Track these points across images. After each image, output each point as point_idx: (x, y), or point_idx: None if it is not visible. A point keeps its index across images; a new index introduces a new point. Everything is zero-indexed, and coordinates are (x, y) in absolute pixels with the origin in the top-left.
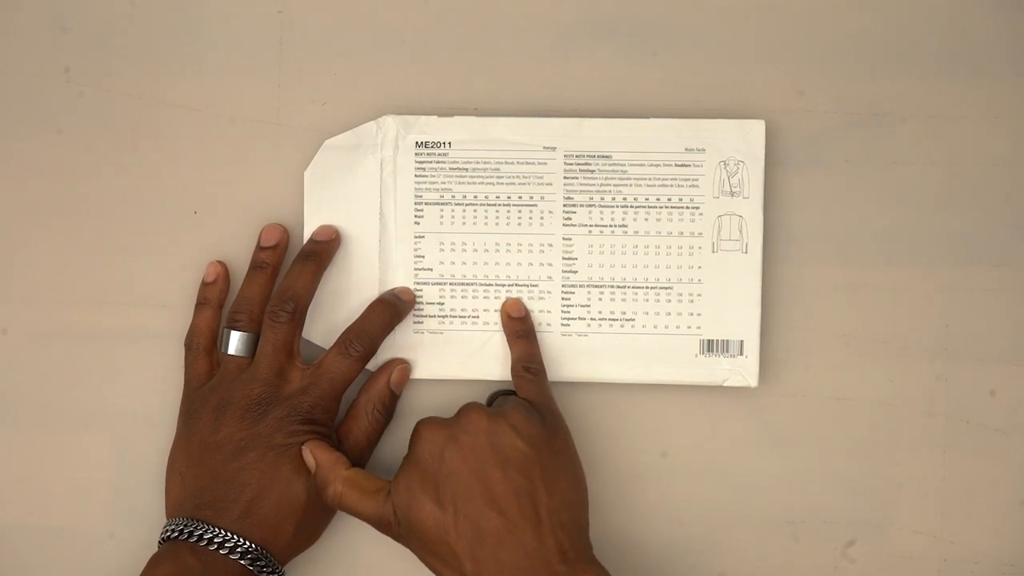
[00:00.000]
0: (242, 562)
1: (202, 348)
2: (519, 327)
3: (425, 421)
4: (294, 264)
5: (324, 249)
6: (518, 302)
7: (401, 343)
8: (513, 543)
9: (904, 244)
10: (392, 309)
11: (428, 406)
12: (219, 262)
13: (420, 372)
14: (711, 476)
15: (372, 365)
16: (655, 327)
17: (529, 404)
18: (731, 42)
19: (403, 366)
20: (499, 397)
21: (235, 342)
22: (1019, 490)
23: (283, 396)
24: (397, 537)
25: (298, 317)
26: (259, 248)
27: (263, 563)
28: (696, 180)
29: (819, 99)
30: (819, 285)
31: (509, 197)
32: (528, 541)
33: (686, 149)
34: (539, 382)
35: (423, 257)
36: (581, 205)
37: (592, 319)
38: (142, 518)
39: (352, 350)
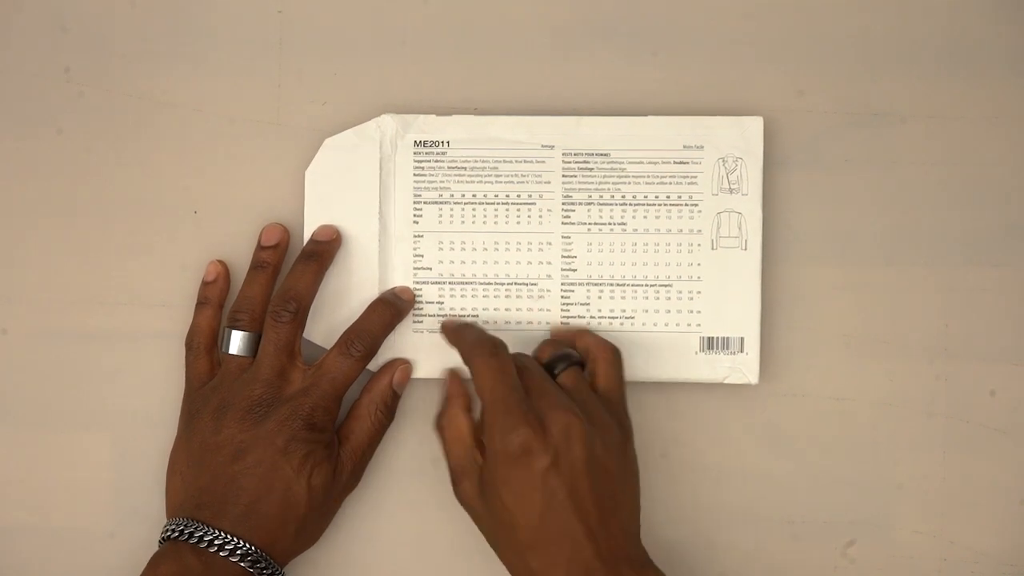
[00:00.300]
0: (242, 564)
1: (203, 347)
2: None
3: (516, 414)
4: (296, 264)
5: (326, 249)
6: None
7: (401, 343)
8: (590, 548)
9: (904, 244)
10: (392, 308)
11: (429, 406)
12: (219, 261)
13: (420, 372)
14: (711, 476)
15: (372, 365)
16: (655, 325)
17: (608, 403)
18: (731, 42)
19: (405, 366)
20: (567, 368)
21: (236, 342)
22: (1019, 490)
23: (284, 397)
24: (461, 500)
25: (300, 317)
26: (260, 248)
27: (263, 565)
28: (695, 177)
29: (819, 99)
30: (819, 285)
31: (508, 196)
32: (603, 547)
33: (684, 146)
34: (614, 363)
35: (422, 256)
36: (580, 203)
37: (592, 317)
38: (142, 518)
39: (353, 350)
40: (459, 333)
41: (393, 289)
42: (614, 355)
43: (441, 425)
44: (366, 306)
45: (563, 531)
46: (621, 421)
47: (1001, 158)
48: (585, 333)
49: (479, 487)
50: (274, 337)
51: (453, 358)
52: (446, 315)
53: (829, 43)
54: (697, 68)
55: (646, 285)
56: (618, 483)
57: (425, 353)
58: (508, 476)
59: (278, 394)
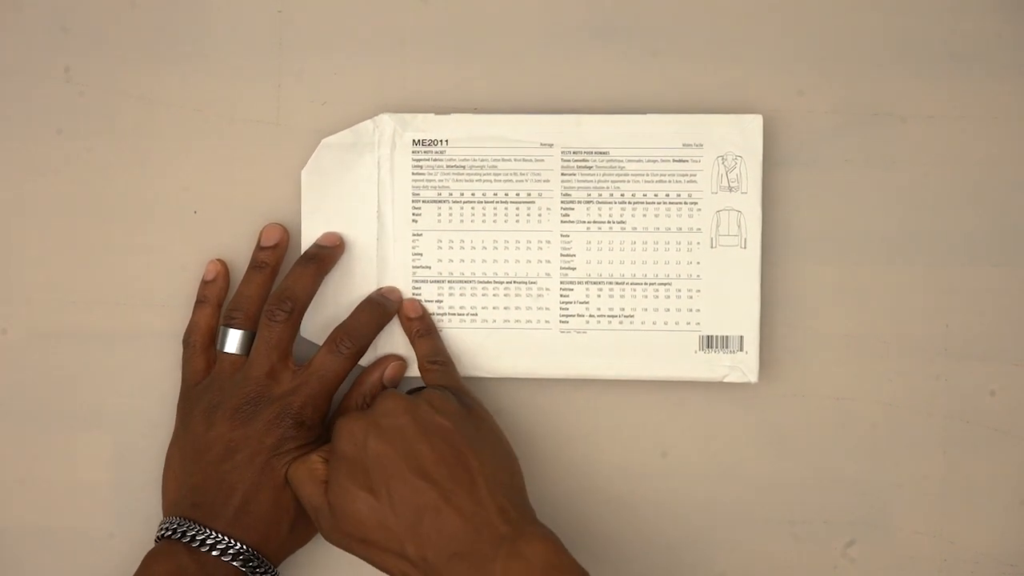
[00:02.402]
0: (235, 564)
1: (199, 345)
2: (419, 326)
3: (343, 416)
4: (295, 266)
5: (327, 254)
6: (414, 302)
7: (399, 341)
8: (451, 511)
9: (904, 244)
10: (380, 308)
11: None
12: (219, 260)
13: (415, 370)
14: (711, 476)
15: (367, 361)
16: (654, 323)
17: (443, 388)
18: (731, 42)
19: (398, 362)
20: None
21: (230, 339)
22: (1019, 490)
23: (274, 396)
24: (327, 533)
25: (295, 318)
26: (259, 248)
27: (255, 564)
28: (694, 175)
29: (819, 99)
30: (819, 285)
31: (507, 194)
32: (466, 506)
33: (683, 145)
34: (448, 371)
35: (421, 255)
36: (579, 201)
37: (591, 316)
38: (142, 518)
39: (342, 348)
40: (418, 343)
41: (380, 289)
42: (428, 361)
43: (292, 472)
44: None
45: (418, 503)
46: (463, 401)
47: (1001, 158)
48: (420, 343)
49: (330, 510)
50: (267, 335)
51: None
52: (444, 313)
53: (829, 43)
54: (697, 68)
55: (645, 284)
56: (467, 443)
57: (423, 352)
58: (346, 469)
59: (268, 393)
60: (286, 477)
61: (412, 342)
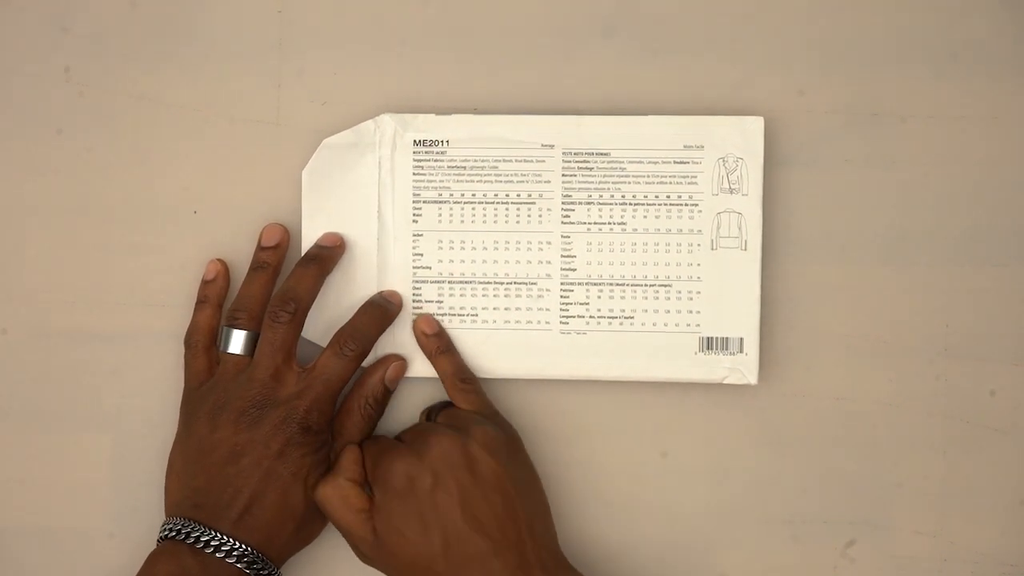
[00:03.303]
0: (239, 565)
1: (201, 346)
2: (438, 343)
3: (394, 452)
4: (297, 267)
5: (329, 255)
6: (430, 318)
7: (399, 341)
8: (499, 565)
9: (904, 244)
10: (381, 311)
11: (422, 404)
12: (219, 260)
13: (418, 370)
14: (711, 476)
15: (368, 362)
16: (654, 325)
17: (481, 416)
18: (731, 42)
19: (399, 362)
20: (441, 411)
21: (234, 340)
22: (1019, 490)
23: (279, 400)
24: (365, 558)
25: (298, 319)
26: (260, 248)
27: (259, 566)
28: (695, 177)
29: (819, 99)
30: (819, 285)
31: (507, 195)
32: (512, 559)
33: (685, 146)
34: (479, 392)
35: (421, 255)
36: (580, 202)
37: (591, 317)
38: (142, 518)
39: (346, 350)
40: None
41: (382, 292)
42: (459, 380)
43: (326, 494)
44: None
45: (468, 552)
46: (504, 429)
47: (1001, 158)
48: (441, 360)
49: (375, 540)
50: (271, 337)
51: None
52: (445, 314)
53: (829, 43)
54: (697, 68)
55: (646, 285)
56: (516, 489)
57: (421, 351)
58: (401, 510)
59: (273, 396)
60: (315, 497)
61: (432, 359)
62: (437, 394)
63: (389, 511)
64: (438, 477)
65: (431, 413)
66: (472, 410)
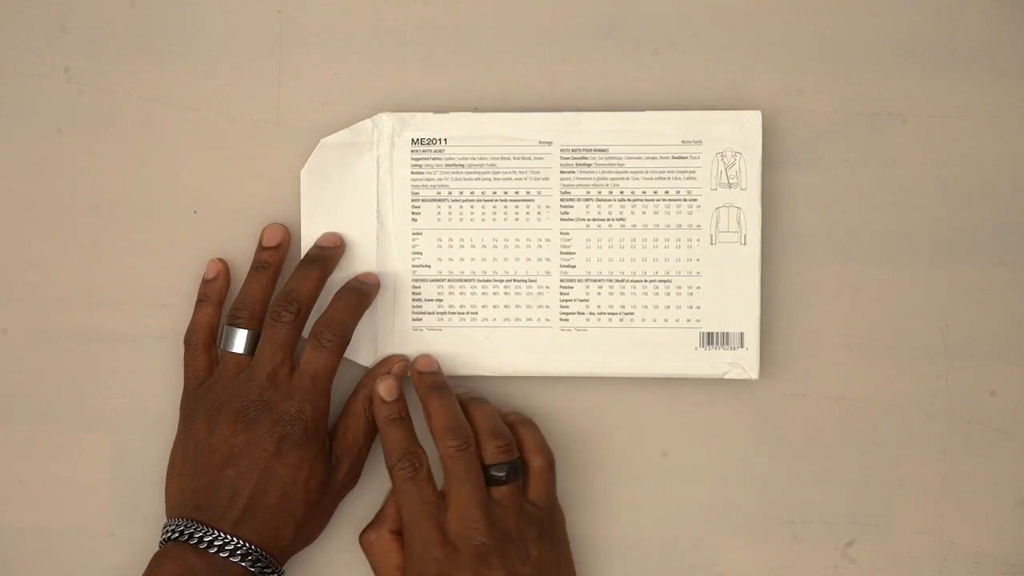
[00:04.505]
0: (243, 564)
1: (201, 344)
2: (464, 393)
3: (434, 556)
4: (298, 268)
5: (330, 255)
6: (430, 359)
7: (400, 340)
8: None
9: (904, 244)
10: (357, 294)
11: None
12: (219, 259)
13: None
14: (711, 476)
15: (370, 362)
16: (654, 320)
17: (532, 519)
18: (731, 42)
19: (401, 363)
20: (499, 488)
21: (235, 339)
22: (1019, 490)
23: (275, 400)
24: None
25: (300, 319)
26: (261, 248)
27: (263, 564)
28: (693, 172)
29: (819, 99)
30: (819, 284)
31: (506, 192)
32: None
33: (683, 141)
34: (549, 476)
35: (421, 254)
36: (578, 199)
37: (591, 313)
38: (142, 518)
39: (324, 340)
40: (384, 432)
41: (357, 276)
42: (548, 466)
43: (369, 541)
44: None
45: None
46: (552, 526)
47: (1001, 158)
48: (526, 430)
49: None
50: (272, 336)
51: (452, 357)
52: (445, 312)
53: (829, 43)
54: (697, 68)
55: (645, 281)
56: None
57: (424, 350)
58: None
59: (268, 397)
60: (360, 541)
61: (466, 410)
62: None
63: None
64: (460, 559)
65: (495, 466)
66: (534, 499)
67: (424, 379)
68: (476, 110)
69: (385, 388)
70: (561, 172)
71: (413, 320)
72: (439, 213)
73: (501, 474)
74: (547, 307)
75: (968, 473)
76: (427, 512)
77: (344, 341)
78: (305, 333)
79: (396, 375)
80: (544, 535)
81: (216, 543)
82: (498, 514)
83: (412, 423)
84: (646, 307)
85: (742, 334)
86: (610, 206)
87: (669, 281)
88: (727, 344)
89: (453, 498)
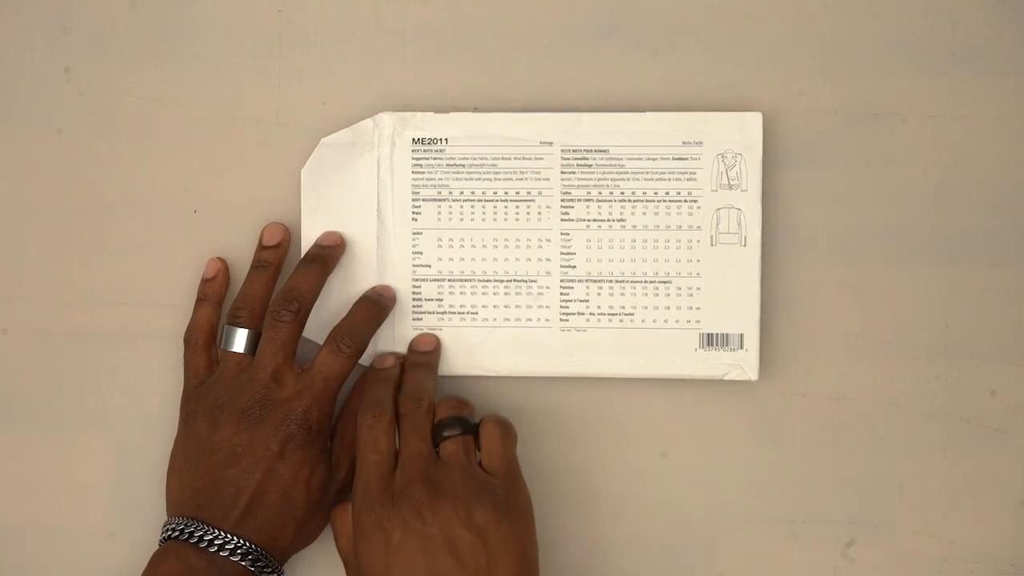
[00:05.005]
0: (243, 563)
1: (200, 343)
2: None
3: (371, 503)
4: (299, 267)
5: (330, 254)
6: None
7: (400, 339)
8: None
9: (904, 244)
10: (377, 306)
11: None
12: (219, 259)
13: None
14: (711, 476)
15: (370, 361)
16: (654, 321)
17: (480, 482)
18: (731, 42)
19: (399, 361)
20: (448, 441)
21: (235, 339)
22: (1019, 490)
23: (279, 400)
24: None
25: (301, 318)
26: (261, 247)
27: (263, 563)
28: (694, 173)
29: (819, 99)
30: (819, 284)
31: (507, 192)
32: None
33: (683, 143)
34: (504, 443)
35: (421, 254)
36: (579, 200)
37: (591, 314)
38: (142, 518)
39: (343, 347)
40: (370, 385)
41: (375, 287)
42: (502, 432)
43: (332, 518)
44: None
45: None
46: (507, 497)
47: (1001, 158)
48: (490, 414)
49: (356, 569)
50: (273, 335)
51: (452, 356)
52: (445, 312)
53: (829, 43)
54: (697, 68)
55: (645, 282)
56: (494, 560)
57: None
58: (366, 554)
59: (273, 396)
60: (330, 519)
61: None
62: (442, 390)
63: (358, 548)
64: (407, 535)
65: (445, 425)
66: (489, 464)
67: (415, 357)
68: (476, 110)
69: (380, 359)
70: (562, 172)
71: (413, 320)
72: (439, 213)
73: (448, 432)
74: (547, 307)
75: (968, 473)
76: (375, 462)
77: (361, 350)
78: (306, 333)
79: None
80: (497, 505)
81: (216, 542)
82: (441, 472)
83: (396, 387)
84: (646, 308)
85: (742, 335)
86: (611, 207)
87: (669, 282)
88: (727, 345)
89: (400, 455)
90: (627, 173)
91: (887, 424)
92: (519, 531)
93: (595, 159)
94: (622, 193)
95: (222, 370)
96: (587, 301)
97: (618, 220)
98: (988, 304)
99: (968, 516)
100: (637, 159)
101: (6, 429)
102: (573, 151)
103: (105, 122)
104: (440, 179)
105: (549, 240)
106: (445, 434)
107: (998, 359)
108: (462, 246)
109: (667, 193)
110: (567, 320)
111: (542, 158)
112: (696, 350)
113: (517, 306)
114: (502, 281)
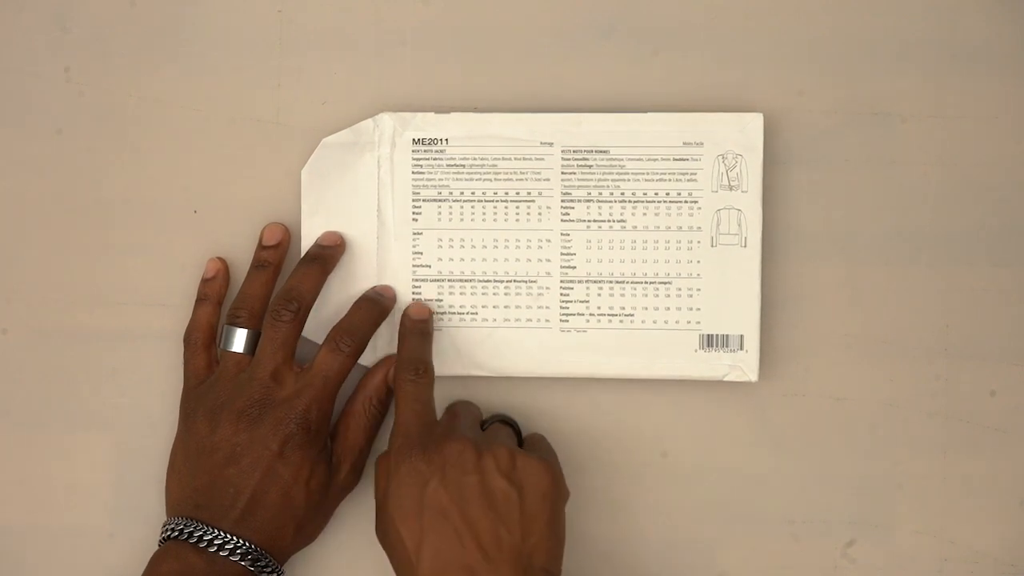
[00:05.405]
0: (243, 563)
1: (200, 343)
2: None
3: (408, 446)
4: (299, 266)
5: (330, 254)
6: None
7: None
8: None
9: (904, 244)
10: (377, 306)
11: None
12: (219, 258)
13: None
14: (711, 476)
15: (369, 362)
16: (654, 322)
17: (516, 446)
18: (731, 42)
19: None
20: (494, 424)
21: (235, 338)
22: (1019, 490)
23: (279, 399)
24: (377, 533)
25: (300, 318)
26: (261, 247)
27: (263, 563)
28: (694, 174)
29: (819, 99)
30: (819, 284)
31: (507, 193)
32: None
33: (684, 143)
34: (541, 436)
35: (421, 254)
36: (579, 200)
37: (591, 314)
38: (142, 518)
39: (343, 346)
40: (403, 340)
41: (375, 287)
42: (543, 437)
43: (376, 462)
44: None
45: (457, 557)
46: (545, 466)
47: (1001, 158)
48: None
49: (381, 520)
50: (273, 336)
51: (452, 357)
52: (445, 312)
53: (829, 43)
54: (697, 68)
55: (645, 282)
56: (527, 516)
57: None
58: (398, 497)
59: (272, 396)
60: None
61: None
62: (443, 391)
63: (390, 495)
64: (444, 480)
65: (491, 420)
66: (529, 446)
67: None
68: (475, 109)
69: (416, 308)
70: (562, 173)
71: None
72: (440, 213)
73: (491, 423)
74: (547, 308)
75: (968, 473)
76: (416, 411)
77: (360, 349)
78: (306, 332)
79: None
80: (540, 463)
81: (216, 542)
82: (484, 433)
83: (432, 340)
84: (646, 309)
85: (742, 336)
86: (611, 207)
87: (669, 283)
88: (727, 346)
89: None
90: (627, 174)
91: (887, 424)
92: (555, 498)
93: (595, 159)
94: (622, 194)
95: (222, 370)
96: (587, 302)
97: (618, 221)
98: (988, 304)
99: (968, 516)
100: (637, 160)
101: (6, 429)
102: (573, 151)
103: (105, 122)
104: (440, 179)
105: (549, 241)
106: (488, 424)
107: (998, 359)
108: (462, 246)
109: (667, 194)
110: (567, 321)
111: (542, 158)
112: (696, 351)
113: (517, 307)
114: (502, 282)
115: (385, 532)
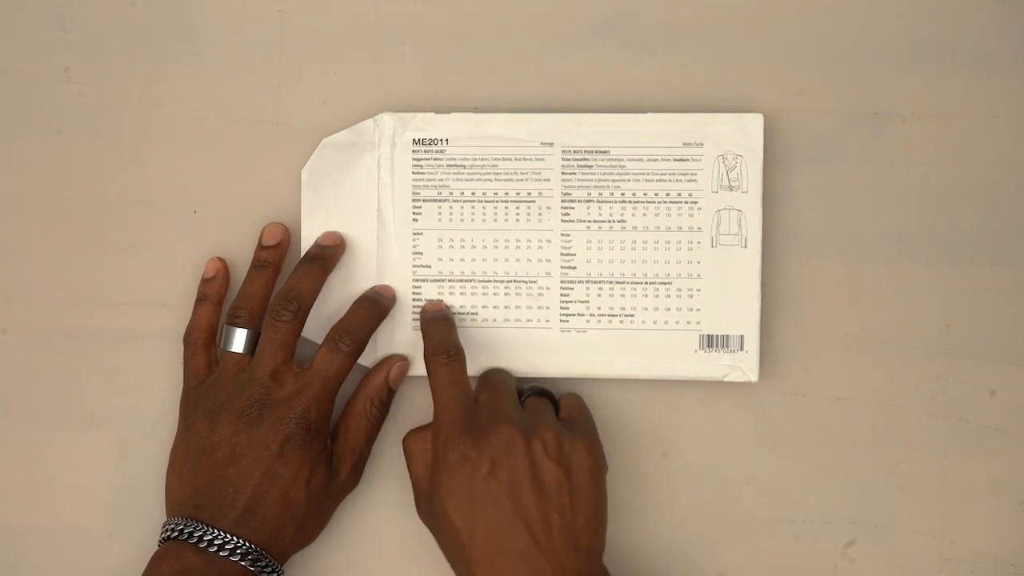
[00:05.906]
0: (242, 563)
1: (200, 343)
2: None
3: (456, 432)
4: (299, 266)
5: (330, 254)
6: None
7: (400, 340)
8: (537, 563)
9: (904, 244)
10: (377, 306)
11: (426, 404)
12: (219, 258)
13: (419, 369)
14: (711, 476)
15: (370, 362)
16: (654, 322)
17: (561, 423)
18: (731, 42)
19: (401, 363)
20: (531, 397)
21: (235, 339)
22: (1019, 490)
23: (278, 399)
24: (422, 514)
25: (300, 318)
26: (260, 247)
27: (263, 563)
28: (695, 174)
29: (819, 99)
30: (819, 284)
31: (507, 193)
32: (546, 564)
33: (684, 144)
34: (580, 403)
35: (421, 254)
36: (579, 200)
37: (591, 315)
38: (142, 518)
39: (342, 345)
40: (427, 328)
41: (374, 287)
42: (580, 400)
43: (410, 440)
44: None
45: (509, 543)
46: (589, 444)
47: (1001, 158)
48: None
49: (431, 500)
50: (273, 336)
51: None
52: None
53: (829, 43)
54: (697, 68)
55: (646, 283)
56: (576, 496)
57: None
58: (449, 484)
59: (272, 395)
60: (403, 443)
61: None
62: None
63: (440, 483)
64: (494, 468)
65: (526, 391)
66: (567, 416)
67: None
68: (476, 110)
69: (431, 302)
70: (562, 173)
71: (413, 320)
72: (440, 213)
73: (528, 393)
74: (547, 308)
75: (968, 473)
76: (456, 396)
77: (360, 348)
78: (305, 332)
79: (396, 377)
80: (586, 442)
81: (216, 542)
82: (527, 413)
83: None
84: (646, 309)
85: (742, 337)
86: (611, 208)
87: (669, 283)
88: (727, 347)
89: (481, 398)
90: (628, 174)
91: (887, 424)
92: (599, 475)
93: (596, 160)
94: (623, 194)
95: (221, 370)
96: (587, 302)
97: (619, 221)
98: (988, 304)
99: (968, 516)
100: (638, 160)
101: (6, 429)
102: (574, 152)
103: (105, 122)
104: (440, 179)
105: (549, 241)
106: (525, 396)
107: (998, 359)
108: (462, 247)
109: (668, 194)
110: (567, 321)
111: (543, 159)
112: (696, 351)
113: (517, 307)
114: (502, 282)
115: (435, 516)
